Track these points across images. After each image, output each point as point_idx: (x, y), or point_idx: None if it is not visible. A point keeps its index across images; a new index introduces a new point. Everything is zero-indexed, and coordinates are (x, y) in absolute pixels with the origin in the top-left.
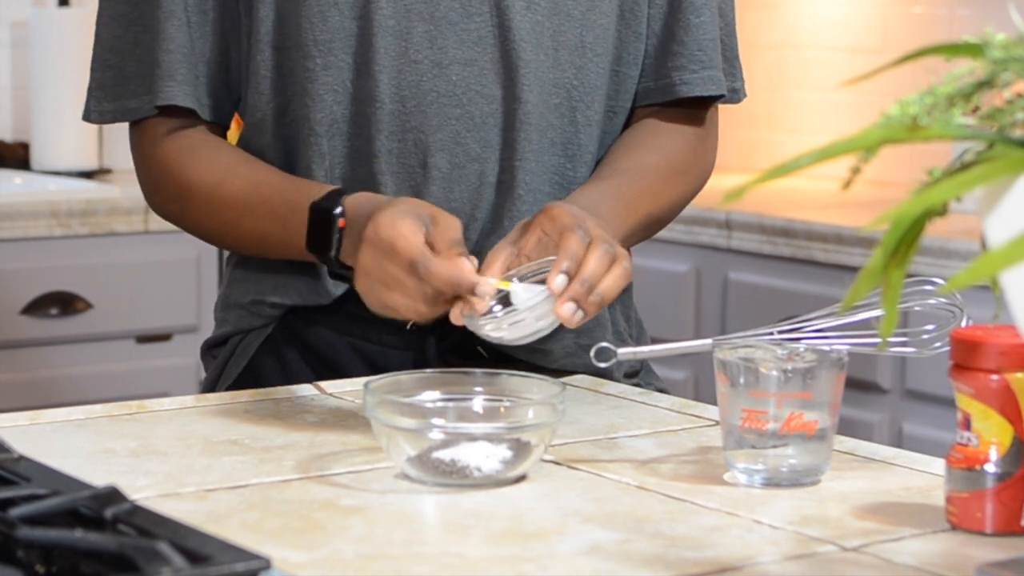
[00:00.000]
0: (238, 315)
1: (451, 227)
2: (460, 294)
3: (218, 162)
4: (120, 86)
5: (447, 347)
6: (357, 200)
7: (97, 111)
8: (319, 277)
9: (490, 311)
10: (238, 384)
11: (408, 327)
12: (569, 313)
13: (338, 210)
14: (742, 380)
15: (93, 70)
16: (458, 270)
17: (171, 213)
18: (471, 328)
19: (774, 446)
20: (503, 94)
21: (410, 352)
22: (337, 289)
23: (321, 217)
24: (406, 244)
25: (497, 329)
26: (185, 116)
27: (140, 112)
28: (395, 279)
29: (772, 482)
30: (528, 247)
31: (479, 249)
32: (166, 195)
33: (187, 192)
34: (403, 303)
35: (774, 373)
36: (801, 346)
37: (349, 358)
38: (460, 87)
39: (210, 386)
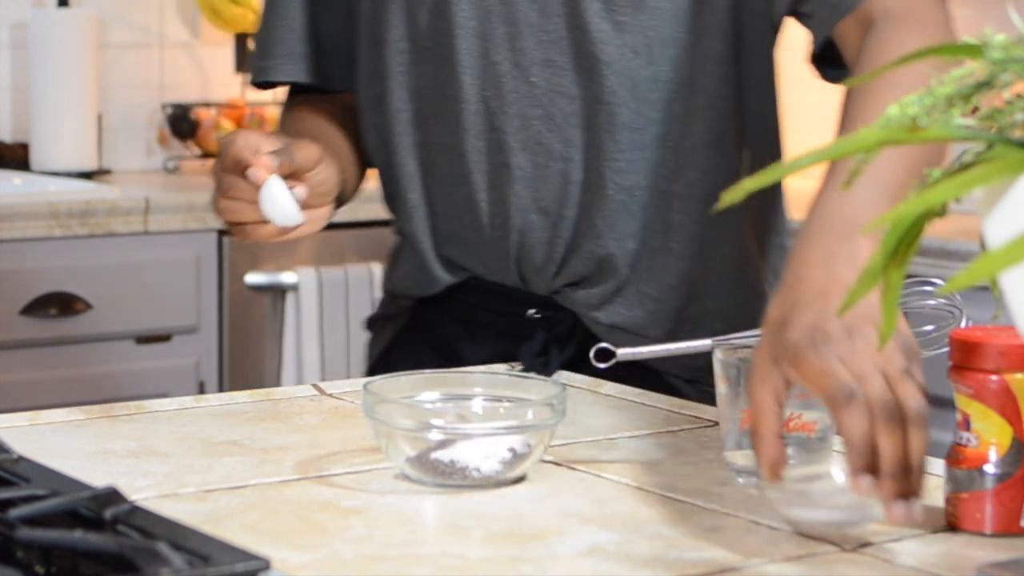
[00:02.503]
0: (384, 301)
1: (299, 145)
2: (242, 163)
3: (295, 128)
4: (256, 59)
5: (556, 336)
6: None
7: (251, 74)
8: (426, 266)
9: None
10: (376, 366)
11: (528, 315)
12: (902, 514)
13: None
14: (741, 381)
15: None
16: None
17: None
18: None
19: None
20: (583, 94)
21: (525, 340)
22: (446, 278)
23: None
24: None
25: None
26: (310, 88)
27: (256, 80)
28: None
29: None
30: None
31: (571, 253)
32: None
33: None
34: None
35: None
36: None
37: (470, 347)
38: (540, 87)
39: (364, 362)
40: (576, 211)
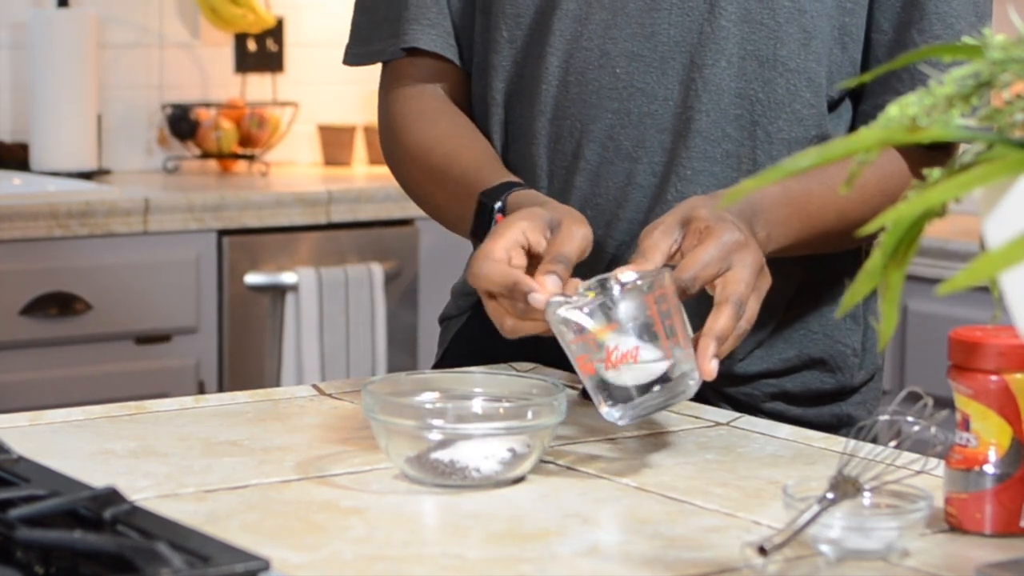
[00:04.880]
0: (449, 301)
1: (567, 239)
2: (514, 299)
3: (433, 133)
4: (372, 29)
5: None
6: (519, 198)
7: (352, 54)
8: None
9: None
10: (442, 362)
11: None
12: (715, 369)
13: (498, 205)
14: (567, 336)
15: (353, 15)
16: (504, 272)
17: (390, 166)
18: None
19: (612, 382)
20: (667, 95)
21: None
22: None
23: (482, 209)
24: (489, 244)
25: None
26: (431, 62)
27: (385, 54)
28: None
29: (639, 416)
30: (686, 248)
31: (623, 253)
32: (388, 150)
33: (403, 155)
34: (493, 311)
35: (573, 316)
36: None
37: (535, 348)
38: (623, 81)
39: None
40: (634, 214)
